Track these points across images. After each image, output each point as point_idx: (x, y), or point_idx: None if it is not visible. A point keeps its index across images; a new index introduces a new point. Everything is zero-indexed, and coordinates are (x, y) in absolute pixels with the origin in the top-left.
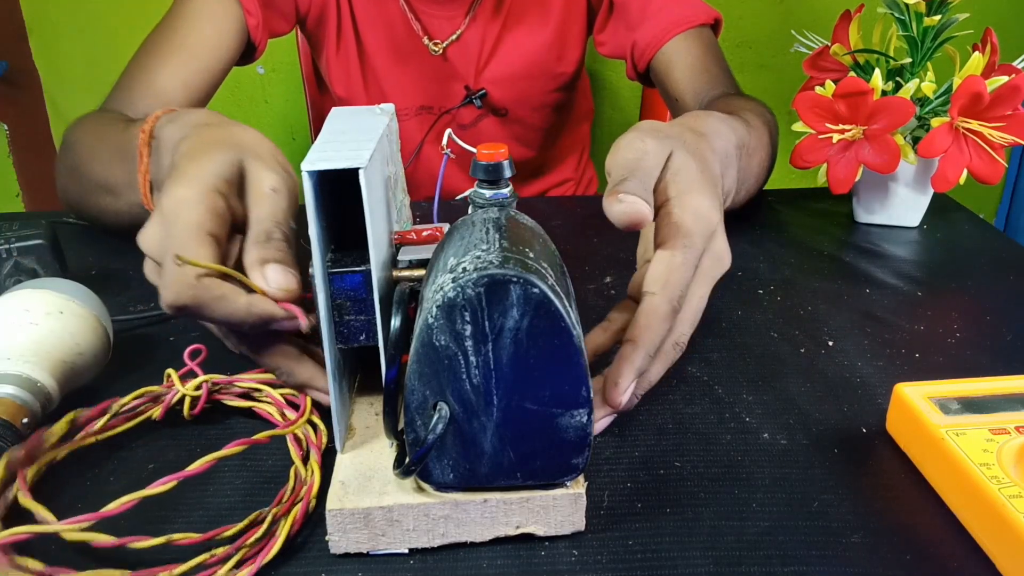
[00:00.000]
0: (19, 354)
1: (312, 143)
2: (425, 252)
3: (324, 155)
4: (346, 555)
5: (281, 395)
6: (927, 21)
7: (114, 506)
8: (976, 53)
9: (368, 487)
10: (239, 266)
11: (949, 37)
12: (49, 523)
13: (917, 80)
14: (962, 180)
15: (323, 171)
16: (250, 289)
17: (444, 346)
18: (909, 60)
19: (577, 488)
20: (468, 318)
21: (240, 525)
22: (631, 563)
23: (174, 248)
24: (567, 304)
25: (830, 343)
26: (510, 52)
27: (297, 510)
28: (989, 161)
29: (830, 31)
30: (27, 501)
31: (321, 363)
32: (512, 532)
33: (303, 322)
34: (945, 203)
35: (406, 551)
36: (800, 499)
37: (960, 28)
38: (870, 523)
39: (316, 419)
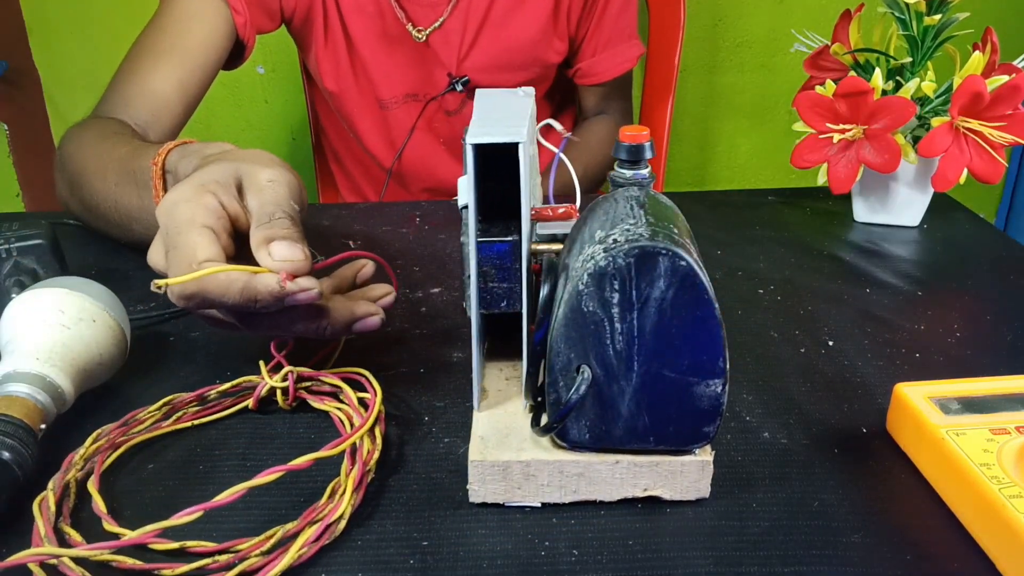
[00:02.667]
0: (47, 356)
1: (312, 143)
2: (560, 228)
3: (485, 130)
4: None
5: (359, 398)
6: (927, 20)
7: (136, 535)
8: (976, 52)
9: (506, 443)
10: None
11: (949, 36)
12: (77, 546)
13: (917, 79)
14: (962, 180)
15: (480, 145)
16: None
17: (591, 312)
18: (909, 59)
19: (705, 456)
20: (616, 286)
21: (256, 539)
22: (631, 563)
23: (174, 245)
24: (709, 278)
25: (830, 343)
26: (492, 41)
27: (311, 531)
28: (989, 161)
29: (830, 31)
30: (92, 488)
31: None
32: (639, 494)
33: (316, 291)
34: (945, 203)
35: (539, 504)
36: (800, 499)
37: (960, 27)
38: (870, 523)
39: (379, 431)
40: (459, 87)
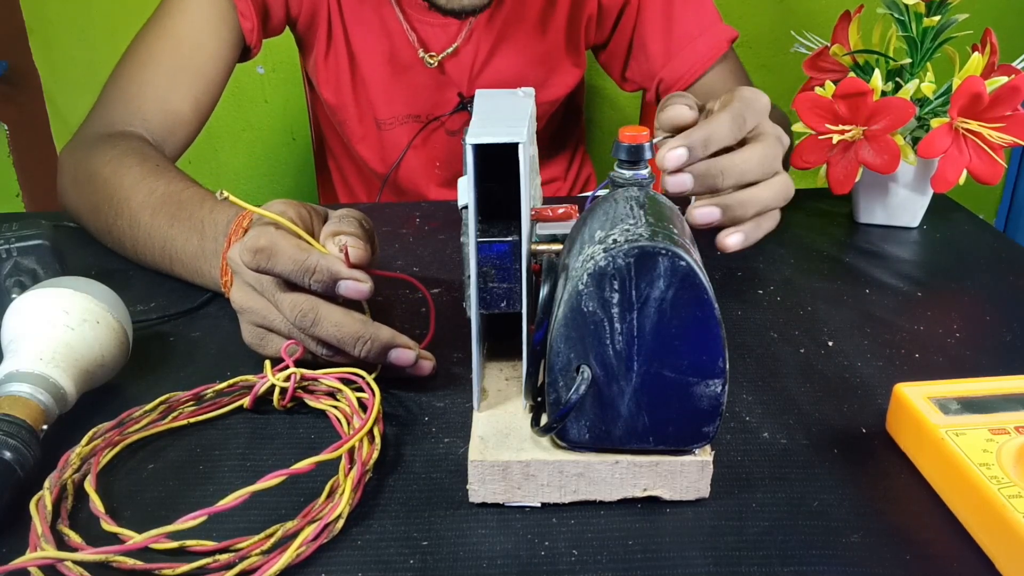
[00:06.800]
0: (51, 356)
1: (312, 143)
2: (559, 228)
3: (485, 130)
4: None
5: (357, 398)
6: (927, 22)
7: (142, 539)
8: (976, 54)
9: (506, 443)
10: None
11: (949, 38)
12: (78, 550)
13: (917, 81)
14: (962, 180)
15: (480, 145)
16: None
17: (591, 312)
18: (909, 61)
19: (705, 456)
20: (616, 286)
21: (256, 538)
22: (631, 563)
23: (265, 228)
24: (709, 278)
25: (830, 343)
26: (504, 61)
27: (310, 530)
28: (989, 162)
29: (830, 31)
30: (90, 487)
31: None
32: (639, 494)
33: (367, 286)
34: (945, 203)
35: (539, 504)
36: (800, 499)
37: (960, 28)
38: (870, 523)
39: (377, 432)
40: (471, 108)
